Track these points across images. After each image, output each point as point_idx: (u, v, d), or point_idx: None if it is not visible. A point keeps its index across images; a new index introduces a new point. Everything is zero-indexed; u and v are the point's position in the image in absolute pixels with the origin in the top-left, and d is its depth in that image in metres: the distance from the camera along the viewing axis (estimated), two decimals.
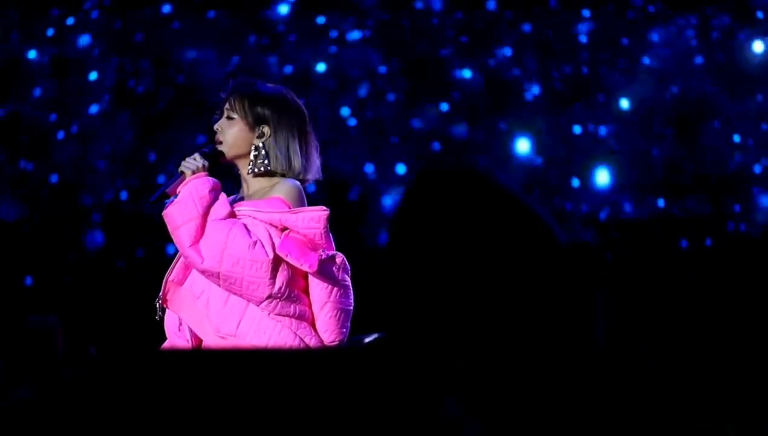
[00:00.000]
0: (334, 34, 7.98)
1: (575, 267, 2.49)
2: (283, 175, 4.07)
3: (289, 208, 3.97)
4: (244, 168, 4.11)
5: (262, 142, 4.08)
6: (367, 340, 4.25)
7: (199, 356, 2.66)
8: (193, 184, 3.97)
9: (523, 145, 7.91)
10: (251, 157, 4.08)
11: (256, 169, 4.06)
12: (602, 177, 7.85)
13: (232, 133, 4.10)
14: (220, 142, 4.10)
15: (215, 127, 4.12)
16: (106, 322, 7.71)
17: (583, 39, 7.87)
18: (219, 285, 3.92)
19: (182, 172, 4.03)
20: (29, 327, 6.11)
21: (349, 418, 2.30)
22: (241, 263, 3.88)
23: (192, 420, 2.32)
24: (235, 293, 3.91)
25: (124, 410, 2.34)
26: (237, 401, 2.32)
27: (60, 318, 6.29)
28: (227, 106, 4.12)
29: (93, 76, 8.07)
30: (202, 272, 3.92)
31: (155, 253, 7.60)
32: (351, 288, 4.05)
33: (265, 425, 2.32)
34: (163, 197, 4.01)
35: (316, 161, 4.14)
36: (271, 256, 3.88)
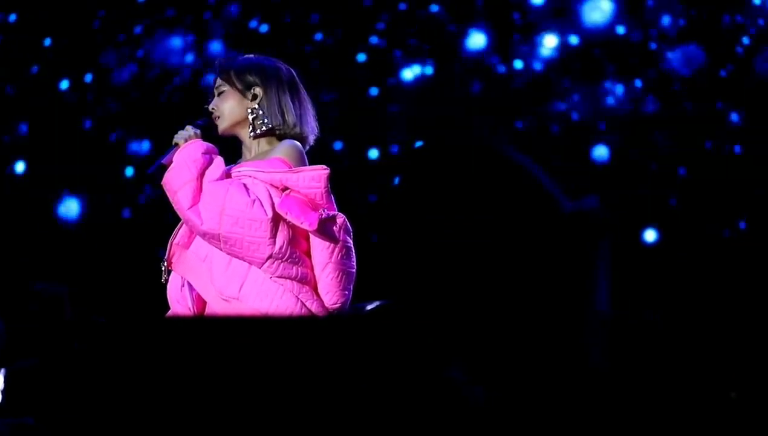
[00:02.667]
0: None
1: (578, 234, 2.49)
2: (283, 137, 4.09)
3: (290, 167, 3.98)
4: (245, 134, 4.13)
5: (257, 104, 4.11)
6: (369, 307, 4.25)
7: (202, 324, 2.67)
8: (187, 150, 4.00)
9: None
10: (250, 120, 4.11)
11: (257, 131, 4.10)
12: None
13: (227, 105, 4.14)
14: (218, 119, 4.13)
15: (210, 108, 4.15)
16: (111, 290, 7.74)
17: None
18: (220, 248, 3.93)
19: (176, 143, 4.06)
20: (37, 294, 6.13)
21: (352, 385, 2.32)
22: (240, 223, 3.88)
23: (197, 387, 2.34)
24: (236, 256, 3.92)
25: (130, 378, 2.35)
26: (241, 368, 2.34)
27: (67, 286, 6.31)
28: (216, 83, 4.18)
29: None
30: (203, 235, 3.93)
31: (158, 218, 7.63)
32: (353, 250, 4.06)
33: (269, 392, 2.33)
34: (159, 169, 4.03)
35: (311, 115, 4.17)
36: (270, 214, 3.89)
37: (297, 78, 4.18)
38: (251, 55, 4.22)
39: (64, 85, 8.26)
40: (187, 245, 4.05)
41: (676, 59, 7.75)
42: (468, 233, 2.41)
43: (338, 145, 8.04)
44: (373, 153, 8.11)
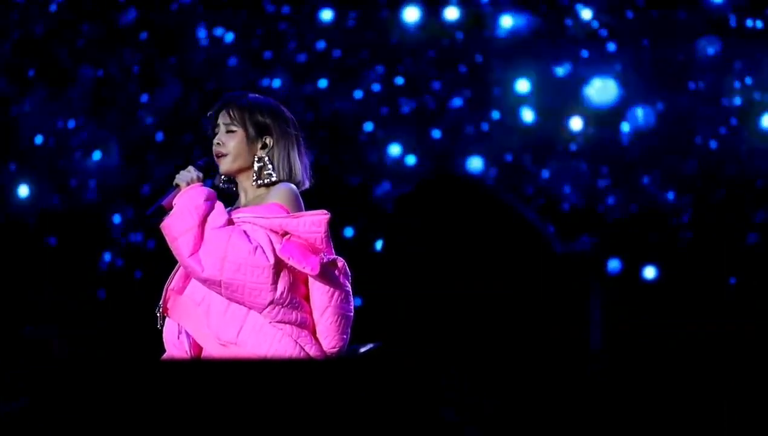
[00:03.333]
0: None
1: (570, 275, 2.51)
2: (281, 181, 4.10)
3: (287, 213, 3.98)
4: (246, 180, 4.12)
5: (266, 154, 4.10)
6: (362, 350, 4.25)
7: (197, 367, 2.67)
8: (189, 195, 3.98)
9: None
10: (255, 168, 4.10)
11: (260, 181, 4.09)
12: None
13: (234, 145, 4.10)
14: (224, 155, 4.11)
15: (216, 140, 4.12)
16: (106, 332, 7.72)
17: None
18: (221, 294, 3.92)
19: (177, 185, 4.04)
20: (26, 336, 6.11)
21: (348, 426, 2.32)
22: (243, 270, 3.88)
23: (189, 430, 2.34)
24: (237, 301, 3.92)
25: (123, 420, 2.35)
26: (236, 411, 2.34)
27: (59, 328, 6.29)
28: (225, 119, 4.12)
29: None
30: (203, 281, 3.92)
31: (156, 261, 7.62)
32: (351, 294, 4.06)
33: (264, 433, 2.33)
34: (159, 211, 4.02)
35: (308, 164, 4.17)
36: (272, 261, 3.89)
37: (298, 126, 4.18)
38: (259, 96, 4.19)
39: None
40: (181, 290, 4.04)
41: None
42: (460, 273, 2.43)
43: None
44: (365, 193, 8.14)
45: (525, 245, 2.46)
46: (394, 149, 8.00)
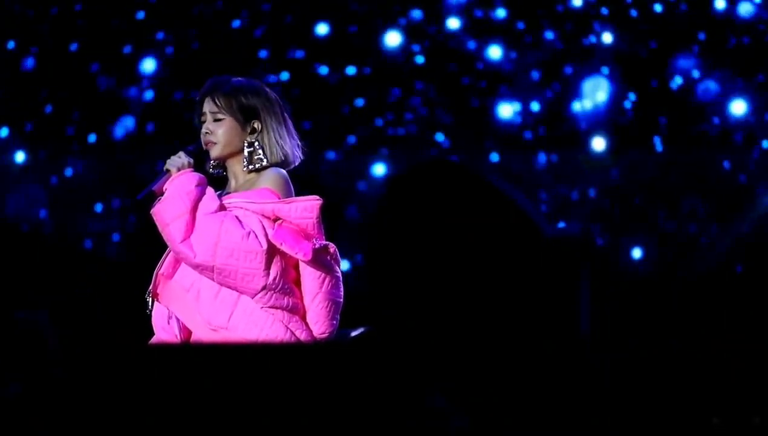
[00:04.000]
0: None
1: (559, 259, 2.51)
2: (271, 165, 4.10)
3: (278, 198, 3.98)
4: (236, 165, 4.12)
5: (255, 139, 4.10)
6: (353, 334, 4.26)
7: (186, 351, 2.68)
8: (180, 181, 3.98)
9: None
10: (245, 154, 4.10)
11: (251, 166, 4.08)
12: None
13: (223, 132, 4.09)
14: (213, 144, 4.10)
15: (204, 129, 4.12)
16: (96, 318, 7.72)
17: None
18: (212, 279, 3.92)
19: (167, 170, 4.04)
20: (17, 322, 6.11)
21: (337, 410, 2.32)
22: (235, 255, 3.89)
23: (180, 414, 2.34)
24: (229, 286, 3.92)
25: (113, 406, 2.36)
26: (225, 394, 2.34)
27: (50, 314, 6.29)
28: (212, 107, 4.11)
29: None
30: (195, 267, 3.93)
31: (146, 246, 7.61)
32: (341, 280, 4.07)
33: (253, 418, 2.34)
34: (149, 196, 4.02)
35: (296, 143, 4.17)
36: (265, 246, 3.89)
37: (284, 104, 4.19)
38: (243, 79, 4.17)
39: None
40: (171, 275, 4.05)
41: None
42: (449, 258, 2.43)
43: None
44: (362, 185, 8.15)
45: (514, 227, 2.46)
46: None
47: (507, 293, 2.46)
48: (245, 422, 2.34)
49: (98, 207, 8.22)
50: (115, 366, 2.42)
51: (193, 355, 2.43)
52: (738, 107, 7.79)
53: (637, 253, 7.76)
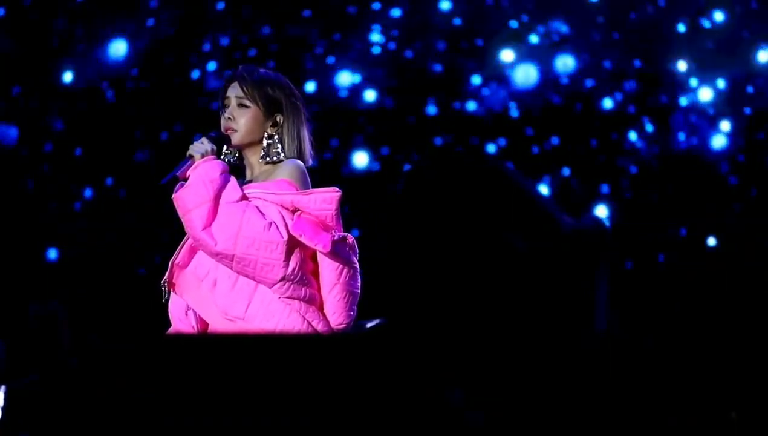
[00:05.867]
0: None
1: (577, 253, 2.50)
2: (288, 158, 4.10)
3: (296, 189, 3.98)
4: (253, 155, 4.12)
5: (276, 132, 4.10)
6: (369, 325, 4.26)
7: (204, 342, 2.67)
8: (204, 168, 3.97)
9: None
10: (264, 144, 4.10)
11: (269, 158, 4.08)
12: None
13: (245, 121, 4.09)
14: (234, 130, 4.10)
15: (226, 114, 4.11)
16: (111, 309, 7.74)
17: None
18: (231, 268, 3.92)
19: (191, 157, 4.03)
20: (32, 314, 6.13)
21: (353, 402, 2.32)
22: (256, 245, 3.88)
23: (195, 405, 2.34)
24: (248, 276, 3.92)
25: (128, 398, 2.36)
26: (242, 385, 2.34)
27: (63, 305, 6.30)
28: (238, 92, 4.11)
29: None
30: (215, 255, 3.92)
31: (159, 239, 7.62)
32: (359, 271, 4.07)
33: (270, 408, 2.33)
34: (173, 181, 4.00)
35: (313, 146, 4.18)
36: (286, 237, 3.89)
37: (305, 103, 4.19)
38: (270, 72, 4.18)
39: None
40: (186, 265, 4.04)
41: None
42: (468, 251, 2.42)
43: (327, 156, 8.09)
44: (375, 166, 8.17)
45: (531, 221, 2.45)
46: None
47: (525, 286, 2.45)
48: (261, 412, 2.33)
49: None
50: (130, 357, 2.42)
51: (210, 345, 2.43)
52: None
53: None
